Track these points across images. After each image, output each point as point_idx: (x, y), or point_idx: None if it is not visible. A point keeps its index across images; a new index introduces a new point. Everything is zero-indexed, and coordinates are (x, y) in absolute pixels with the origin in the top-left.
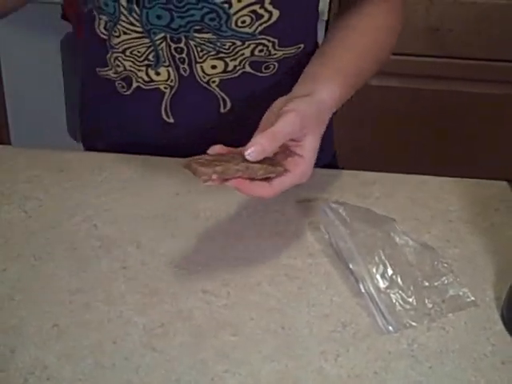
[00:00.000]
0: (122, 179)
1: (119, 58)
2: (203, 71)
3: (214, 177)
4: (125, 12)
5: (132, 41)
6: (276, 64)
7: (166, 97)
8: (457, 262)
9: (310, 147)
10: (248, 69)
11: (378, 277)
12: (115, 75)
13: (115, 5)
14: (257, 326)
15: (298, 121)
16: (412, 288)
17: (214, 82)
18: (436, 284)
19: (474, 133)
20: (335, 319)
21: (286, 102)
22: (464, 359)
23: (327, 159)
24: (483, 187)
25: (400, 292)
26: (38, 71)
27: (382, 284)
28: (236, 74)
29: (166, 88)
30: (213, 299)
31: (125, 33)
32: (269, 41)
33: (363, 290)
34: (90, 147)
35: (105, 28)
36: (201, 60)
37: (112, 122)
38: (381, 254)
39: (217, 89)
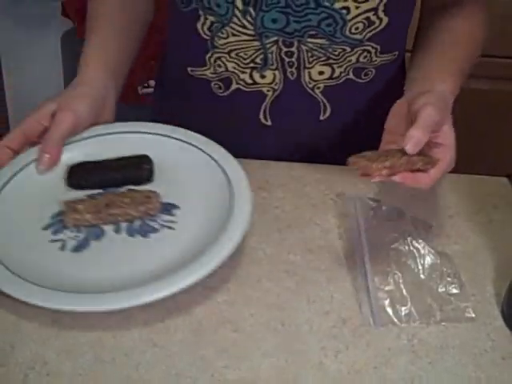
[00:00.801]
0: None
1: (222, 59)
2: (310, 77)
3: (384, 172)
4: (238, 14)
5: (240, 43)
6: (373, 70)
7: (267, 99)
8: (457, 258)
9: (449, 135)
10: (351, 75)
11: (379, 275)
12: (213, 75)
13: (229, 6)
14: (257, 322)
15: (436, 112)
16: (412, 291)
17: (318, 88)
18: (440, 291)
19: (474, 129)
20: (335, 315)
21: (411, 101)
22: (464, 355)
23: None
24: (483, 183)
25: (397, 293)
26: (38, 67)
27: (378, 282)
28: (340, 81)
29: (268, 91)
30: (213, 295)
31: (234, 35)
32: (373, 47)
33: (362, 285)
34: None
35: (209, 29)
36: (310, 65)
37: (199, 122)
38: (390, 255)
39: (320, 95)
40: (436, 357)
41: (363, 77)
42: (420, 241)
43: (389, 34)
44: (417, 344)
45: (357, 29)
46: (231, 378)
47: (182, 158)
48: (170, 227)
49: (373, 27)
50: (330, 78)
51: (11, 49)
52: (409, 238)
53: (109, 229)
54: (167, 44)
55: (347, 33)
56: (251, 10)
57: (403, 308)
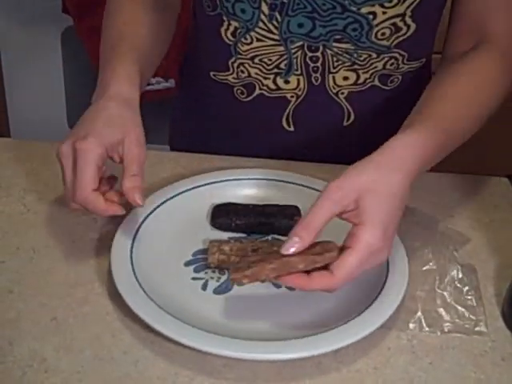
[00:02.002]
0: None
1: (245, 65)
2: (334, 82)
3: (245, 281)
4: (264, 19)
5: (265, 48)
6: (400, 77)
7: (290, 105)
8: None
9: (370, 210)
10: (376, 82)
11: None
12: (236, 81)
13: (255, 11)
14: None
15: (336, 200)
16: (424, 299)
17: (342, 93)
18: (454, 303)
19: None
20: None
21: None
22: (464, 355)
23: None
24: (484, 183)
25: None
26: (38, 64)
27: None
28: (365, 87)
29: (292, 96)
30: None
31: (258, 40)
32: (400, 54)
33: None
34: (180, 148)
35: (232, 34)
36: (334, 70)
37: (220, 126)
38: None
39: (344, 101)
40: (436, 357)
41: (389, 84)
42: (444, 252)
43: (416, 41)
44: (417, 344)
45: (383, 34)
46: (230, 376)
47: None
48: None
49: (400, 33)
50: (355, 83)
51: (11, 45)
52: (430, 248)
53: None
54: (189, 45)
55: (373, 38)
56: (277, 14)
57: (413, 315)
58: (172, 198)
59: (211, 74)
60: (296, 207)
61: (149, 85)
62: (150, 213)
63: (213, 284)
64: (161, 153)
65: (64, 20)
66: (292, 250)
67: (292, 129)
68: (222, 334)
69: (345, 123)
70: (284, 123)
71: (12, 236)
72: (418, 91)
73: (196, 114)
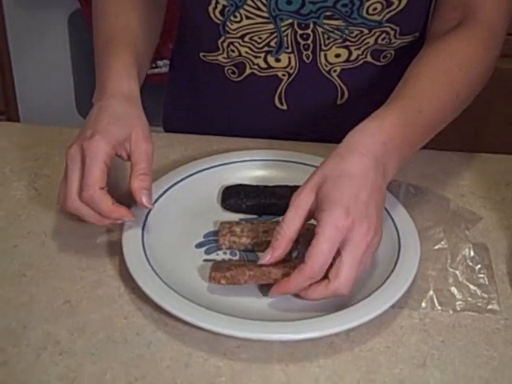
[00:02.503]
0: None
1: (235, 44)
2: (326, 59)
3: (223, 282)
4: None
5: (254, 26)
6: (393, 52)
7: (282, 84)
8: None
9: (326, 195)
10: (369, 58)
11: None
12: (226, 60)
13: None
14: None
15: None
16: (436, 278)
17: (335, 71)
18: (466, 281)
19: (485, 107)
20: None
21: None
22: (476, 333)
23: None
24: (495, 162)
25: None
26: (45, 48)
27: None
28: (357, 64)
29: (283, 75)
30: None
31: (248, 17)
32: (392, 29)
33: None
34: (174, 129)
35: (221, 13)
36: (326, 48)
37: (213, 106)
38: (421, 242)
39: (337, 78)
40: (448, 335)
41: (382, 59)
42: (456, 231)
43: (408, 15)
44: (429, 323)
45: (374, 9)
46: (244, 357)
47: None
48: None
49: (392, 8)
50: (347, 60)
51: (19, 30)
52: (441, 227)
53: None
54: (178, 28)
55: (364, 14)
56: None
57: (424, 294)
58: (182, 180)
59: (200, 55)
60: None
61: (157, 67)
62: (161, 195)
63: None
64: (171, 135)
65: (71, 3)
66: (267, 259)
67: (285, 107)
68: (234, 315)
69: (339, 101)
70: (277, 102)
71: (24, 220)
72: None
73: (187, 96)
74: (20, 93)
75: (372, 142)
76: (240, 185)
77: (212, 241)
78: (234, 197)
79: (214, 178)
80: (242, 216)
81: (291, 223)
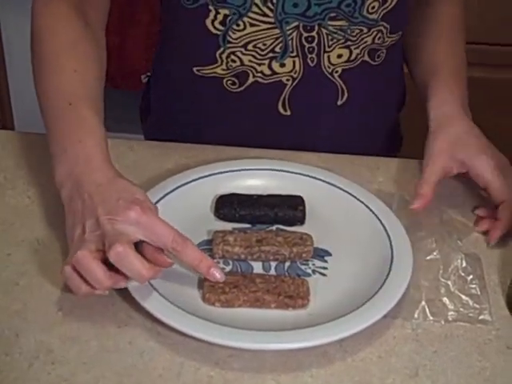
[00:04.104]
0: (125, 164)
1: (236, 53)
2: (329, 61)
3: (217, 304)
4: (258, 2)
5: (259, 33)
6: (384, 51)
7: (286, 89)
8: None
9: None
10: (366, 57)
11: None
12: (225, 72)
13: None
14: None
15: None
16: (428, 289)
17: (336, 71)
18: (457, 292)
19: (476, 117)
20: None
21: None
22: (468, 344)
23: None
24: None
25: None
26: None
27: None
28: (356, 63)
29: (288, 80)
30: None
31: (252, 25)
32: (384, 27)
33: None
34: (162, 139)
35: (222, 23)
36: (329, 49)
37: (210, 121)
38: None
39: (338, 79)
40: (440, 346)
41: (376, 59)
42: (448, 241)
43: (397, 13)
44: (421, 333)
45: (373, 8)
46: (236, 366)
47: (334, 203)
48: (322, 273)
49: (385, 5)
50: (348, 60)
51: (13, 37)
52: (434, 237)
53: (257, 265)
54: (162, 44)
55: (365, 12)
56: None
57: (417, 305)
58: (176, 189)
59: (194, 69)
60: (300, 197)
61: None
62: (155, 204)
63: None
64: (165, 144)
65: None
66: (416, 206)
67: (289, 113)
68: (227, 324)
69: (339, 102)
70: (280, 108)
71: (17, 228)
72: (399, 65)
73: (180, 113)
74: (15, 101)
75: (458, 108)
76: (233, 194)
77: (205, 250)
78: (227, 206)
79: (208, 187)
80: (236, 225)
81: (432, 173)
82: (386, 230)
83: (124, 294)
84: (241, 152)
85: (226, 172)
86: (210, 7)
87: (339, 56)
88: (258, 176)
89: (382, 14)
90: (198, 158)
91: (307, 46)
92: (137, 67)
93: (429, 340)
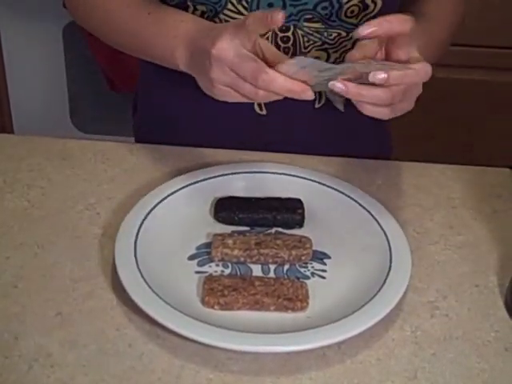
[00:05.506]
0: (125, 167)
1: None
2: None
3: (217, 307)
4: (233, 0)
5: None
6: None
7: None
8: (460, 248)
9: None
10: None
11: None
12: None
13: None
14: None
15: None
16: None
17: None
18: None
19: (476, 120)
20: None
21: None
22: (467, 346)
23: None
24: (486, 174)
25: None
26: (40, 60)
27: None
28: None
29: None
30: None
31: (228, 22)
32: None
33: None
34: (150, 140)
35: None
36: (305, 51)
37: (189, 117)
38: None
39: None
40: (439, 348)
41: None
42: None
43: None
44: (420, 335)
45: (352, 12)
46: (235, 369)
47: (333, 206)
48: (321, 276)
49: (367, 11)
50: None
51: (13, 42)
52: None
53: (257, 268)
54: None
55: (343, 16)
56: None
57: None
58: (175, 192)
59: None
60: (299, 200)
61: None
62: (154, 207)
63: None
64: (163, 147)
65: (66, 15)
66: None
67: (264, 112)
68: (226, 327)
69: (317, 105)
70: (256, 107)
71: (16, 231)
72: None
73: (162, 108)
74: (14, 104)
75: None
76: (233, 197)
77: (204, 253)
78: (226, 209)
79: (207, 191)
80: (235, 228)
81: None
82: (384, 233)
83: (124, 297)
84: (238, 155)
85: (226, 175)
86: (189, 3)
87: (316, 58)
88: (257, 179)
89: (363, 19)
90: (197, 162)
91: (283, 45)
92: (136, 71)
93: (427, 342)
